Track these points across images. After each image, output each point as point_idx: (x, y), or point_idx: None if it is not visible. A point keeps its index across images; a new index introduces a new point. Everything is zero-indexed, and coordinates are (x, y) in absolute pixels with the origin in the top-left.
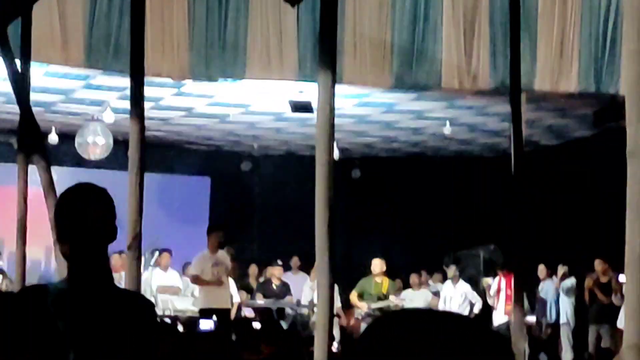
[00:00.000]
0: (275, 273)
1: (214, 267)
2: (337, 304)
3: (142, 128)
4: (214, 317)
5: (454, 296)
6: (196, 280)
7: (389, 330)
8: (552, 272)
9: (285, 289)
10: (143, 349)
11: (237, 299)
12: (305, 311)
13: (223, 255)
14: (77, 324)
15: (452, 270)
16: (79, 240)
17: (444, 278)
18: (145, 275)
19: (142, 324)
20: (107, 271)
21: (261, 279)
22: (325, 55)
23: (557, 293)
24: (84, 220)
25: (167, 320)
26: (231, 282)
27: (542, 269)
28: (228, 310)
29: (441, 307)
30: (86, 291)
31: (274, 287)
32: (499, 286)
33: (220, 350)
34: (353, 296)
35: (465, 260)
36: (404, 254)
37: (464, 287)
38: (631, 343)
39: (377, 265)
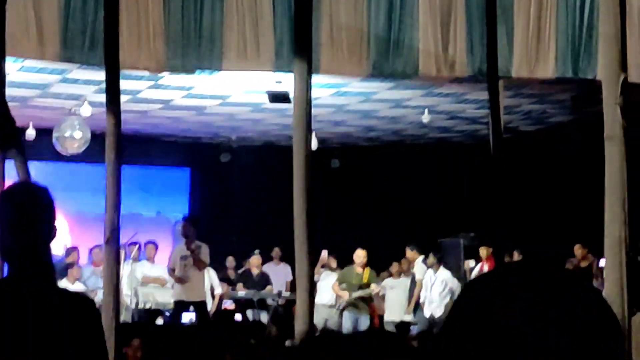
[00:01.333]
0: (254, 263)
1: (182, 260)
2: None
3: (119, 121)
4: (190, 309)
5: (435, 283)
6: (170, 273)
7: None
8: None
9: (265, 279)
10: (85, 348)
11: (218, 290)
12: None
13: (195, 246)
14: (15, 324)
15: (431, 258)
16: (15, 239)
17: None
18: (126, 268)
19: (83, 324)
20: (48, 271)
21: (240, 270)
22: (301, 45)
23: None
24: (21, 220)
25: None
26: (212, 274)
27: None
28: (202, 303)
29: (423, 294)
30: (23, 292)
31: (254, 277)
32: (481, 269)
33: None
34: (335, 286)
35: (446, 248)
36: (385, 243)
37: (444, 274)
38: None
39: (359, 255)
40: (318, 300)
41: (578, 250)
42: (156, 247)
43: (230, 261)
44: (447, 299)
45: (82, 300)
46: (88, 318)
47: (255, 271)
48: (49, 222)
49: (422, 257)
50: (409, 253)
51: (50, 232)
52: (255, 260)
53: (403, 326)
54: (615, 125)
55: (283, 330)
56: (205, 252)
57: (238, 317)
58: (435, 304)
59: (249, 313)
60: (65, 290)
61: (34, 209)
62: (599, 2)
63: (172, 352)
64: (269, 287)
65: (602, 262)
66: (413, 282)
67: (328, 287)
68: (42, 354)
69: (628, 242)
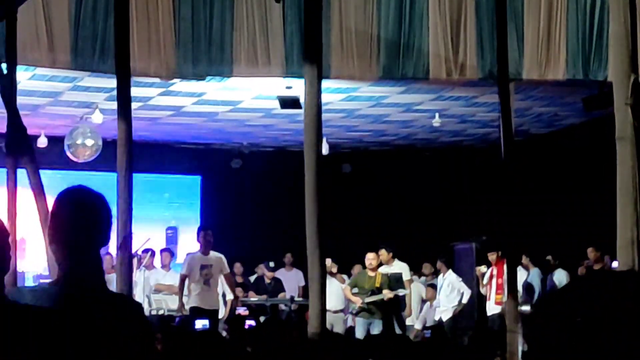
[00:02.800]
0: (266, 272)
1: (202, 269)
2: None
3: (130, 128)
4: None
5: (442, 286)
6: (181, 281)
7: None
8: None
9: (278, 285)
10: (137, 350)
11: (230, 296)
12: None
13: (215, 256)
14: (72, 328)
15: (438, 262)
16: (71, 242)
17: (435, 270)
18: (139, 275)
19: (136, 326)
20: (100, 275)
21: (252, 278)
22: (310, 50)
23: (545, 282)
24: (78, 224)
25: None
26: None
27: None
28: (215, 312)
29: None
30: (79, 294)
31: (267, 283)
32: (491, 274)
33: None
34: (347, 290)
35: (459, 252)
36: (397, 247)
37: (450, 277)
38: None
39: (369, 258)
40: None
41: (591, 253)
42: (172, 254)
43: (237, 267)
44: (455, 302)
45: (132, 302)
46: (136, 320)
47: (267, 279)
48: (106, 228)
49: (396, 259)
50: (384, 254)
51: (105, 238)
52: (267, 272)
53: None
54: (626, 126)
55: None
56: (225, 263)
57: (251, 322)
58: (442, 307)
59: (262, 319)
60: (115, 293)
61: (96, 215)
62: (609, 3)
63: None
64: (281, 293)
65: (615, 264)
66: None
67: (331, 293)
68: (94, 354)
69: None
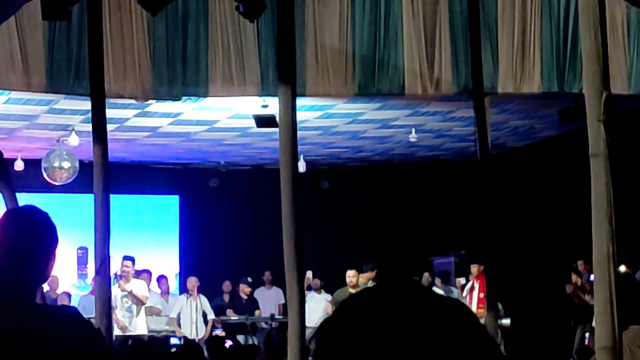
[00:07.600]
0: (244, 290)
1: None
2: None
3: (106, 150)
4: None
5: None
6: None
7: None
8: None
9: (254, 303)
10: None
11: (211, 316)
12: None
13: (135, 284)
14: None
15: (425, 277)
16: (12, 260)
17: None
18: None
19: (76, 340)
20: (32, 293)
21: (225, 297)
22: (284, 68)
23: None
24: (20, 242)
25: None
26: (204, 300)
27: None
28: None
29: None
30: (10, 312)
31: (243, 301)
32: (472, 286)
33: None
34: (329, 308)
35: (438, 267)
36: (377, 263)
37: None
38: (603, 345)
39: (349, 275)
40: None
41: (581, 265)
42: (150, 275)
43: (227, 285)
44: None
45: (72, 313)
46: (78, 334)
47: (244, 296)
48: (48, 246)
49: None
50: (370, 273)
51: (49, 257)
52: (245, 288)
53: None
54: (600, 142)
55: (276, 353)
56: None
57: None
58: None
59: (241, 338)
60: (54, 306)
61: (33, 233)
62: (580, 20)
63: None
64: (257, 311)
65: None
66: None
67: (314, 309)
68: None
69: (616, 258)
